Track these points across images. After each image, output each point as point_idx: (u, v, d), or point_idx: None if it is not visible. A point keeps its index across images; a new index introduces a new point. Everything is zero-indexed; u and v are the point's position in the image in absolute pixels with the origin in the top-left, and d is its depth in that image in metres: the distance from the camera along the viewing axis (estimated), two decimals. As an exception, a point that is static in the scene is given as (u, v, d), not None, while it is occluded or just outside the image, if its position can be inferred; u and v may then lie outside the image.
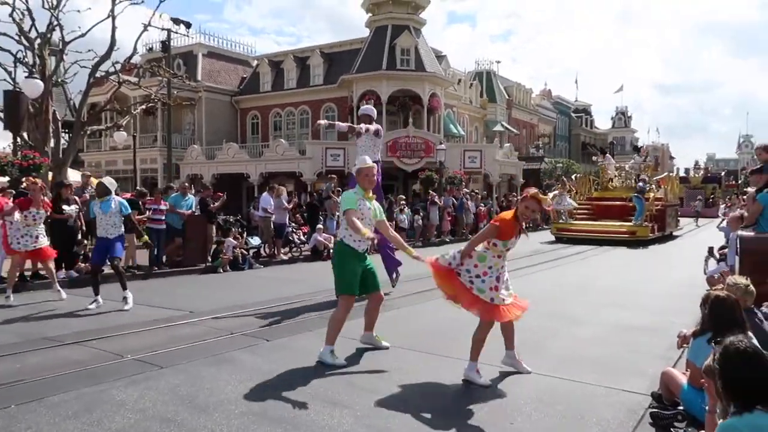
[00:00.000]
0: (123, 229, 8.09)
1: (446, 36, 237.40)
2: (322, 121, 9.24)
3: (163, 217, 11.68)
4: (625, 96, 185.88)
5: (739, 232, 6.51)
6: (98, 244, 8.05)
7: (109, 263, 8.02)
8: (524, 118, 48.02)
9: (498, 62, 49.21)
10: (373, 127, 8.42)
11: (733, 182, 48.63)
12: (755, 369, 2.30)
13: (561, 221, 20.00)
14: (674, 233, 22.44)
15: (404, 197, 20.96)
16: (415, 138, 27.57)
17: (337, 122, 9.48)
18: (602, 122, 74.82)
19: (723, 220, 15.63)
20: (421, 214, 19.44)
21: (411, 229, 18.78)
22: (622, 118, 71.21)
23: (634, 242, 18.03)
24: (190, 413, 3.96)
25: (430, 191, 21.89)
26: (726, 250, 8.17)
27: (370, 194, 5.44)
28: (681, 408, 3.81)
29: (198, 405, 4.12)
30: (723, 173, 54.06)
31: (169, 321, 6.97)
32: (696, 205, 32.66)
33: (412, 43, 30.29)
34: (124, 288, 7.85)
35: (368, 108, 8.86)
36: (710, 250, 9.21)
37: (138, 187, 15.31)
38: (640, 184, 19.77)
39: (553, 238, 19.68)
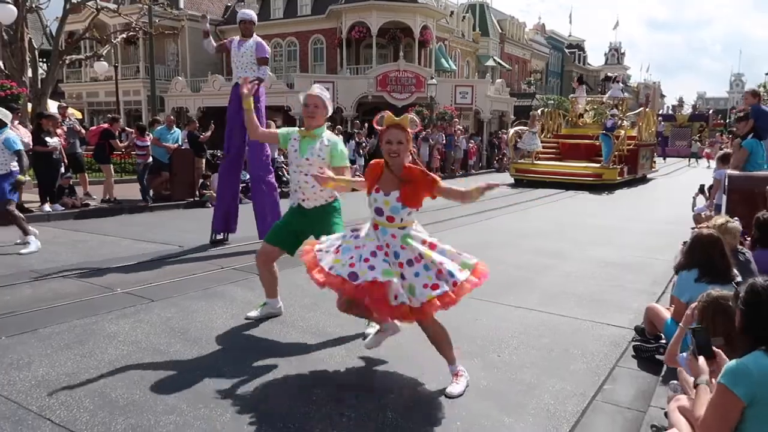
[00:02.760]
0: (11, 168, 7.06)
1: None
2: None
3: (146, 153, 11.42)
4: (618, 33, 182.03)
5: (728, 171, 6.54)
6: None
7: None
8: (517, 53, 47.02)
9: (492, -7, 47.60)
10: (251, 40, 7.14)
11: (721, 120, 48.31)
12: None
13: (521, 161, 18.26)
14: (648, 176, 21.06)
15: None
16: (406, 72, 26.94)
17: (204, 40, 7.49)
18: (595, 59, 73.75)
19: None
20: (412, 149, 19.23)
21: (400, 166, 18.65)
22: (615, 54, 69.96)
23: (600, 186, 16.46)
24: (183, 345, 4.00)
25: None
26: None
27: (312, 131, 4.15)
28: (663, 341, 3.92)
29: (190, 337, 4.17)
30: (710, 111, 53.58)
31: (157, 255, 6.97)
32: (686, 145, 32.26)
33: (403, -29, 29.09)
34: (26, 233, 7.13)
35: (244, 12, 7.30)
36: (701, 187, 9.28)
37: (109, 114, 14.81)
38: (609, 121, 17.65)
39: (511, 180, 17.92)
